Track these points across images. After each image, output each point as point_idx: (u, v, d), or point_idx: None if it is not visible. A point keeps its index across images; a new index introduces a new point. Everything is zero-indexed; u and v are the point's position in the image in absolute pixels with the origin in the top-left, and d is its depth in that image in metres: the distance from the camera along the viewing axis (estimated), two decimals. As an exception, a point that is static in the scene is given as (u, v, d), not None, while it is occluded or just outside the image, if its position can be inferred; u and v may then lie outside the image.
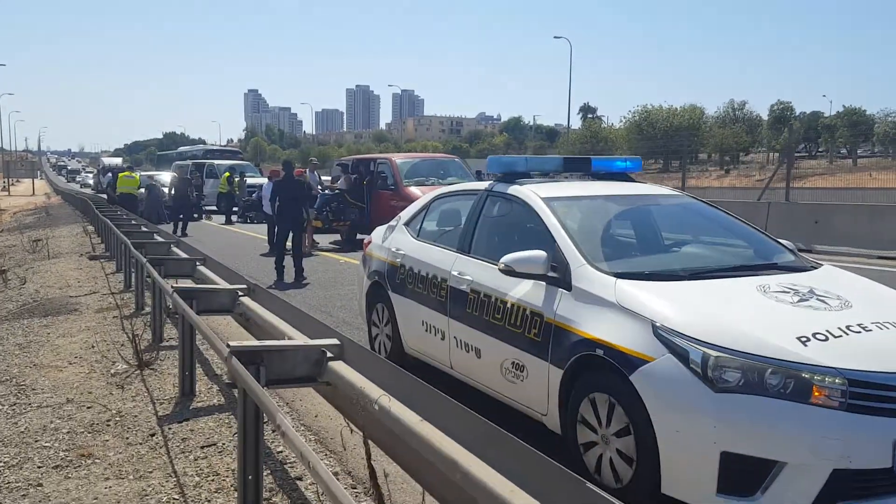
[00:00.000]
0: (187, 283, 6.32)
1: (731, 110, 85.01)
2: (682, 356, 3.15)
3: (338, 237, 17.79)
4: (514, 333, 4.04)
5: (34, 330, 7.83)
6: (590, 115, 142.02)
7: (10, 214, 34.63)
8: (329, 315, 8.60)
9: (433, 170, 15.85)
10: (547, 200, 4.37)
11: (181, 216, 20.30)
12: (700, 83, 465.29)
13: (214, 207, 28.83)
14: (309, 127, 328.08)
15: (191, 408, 5.01)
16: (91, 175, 74.83)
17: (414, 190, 14.48)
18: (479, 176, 17.68)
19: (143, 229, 12.04)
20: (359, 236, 17.09)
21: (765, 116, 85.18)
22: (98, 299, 9.58)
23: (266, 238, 16.10)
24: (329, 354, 3.34)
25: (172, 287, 5.27)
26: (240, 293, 5.03)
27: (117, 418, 4.82)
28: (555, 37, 60.47)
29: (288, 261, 11.98)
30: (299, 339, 3.66)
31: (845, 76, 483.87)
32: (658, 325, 3.30)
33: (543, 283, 3.95)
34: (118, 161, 43.04)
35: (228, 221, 24.90)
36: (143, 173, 22.16)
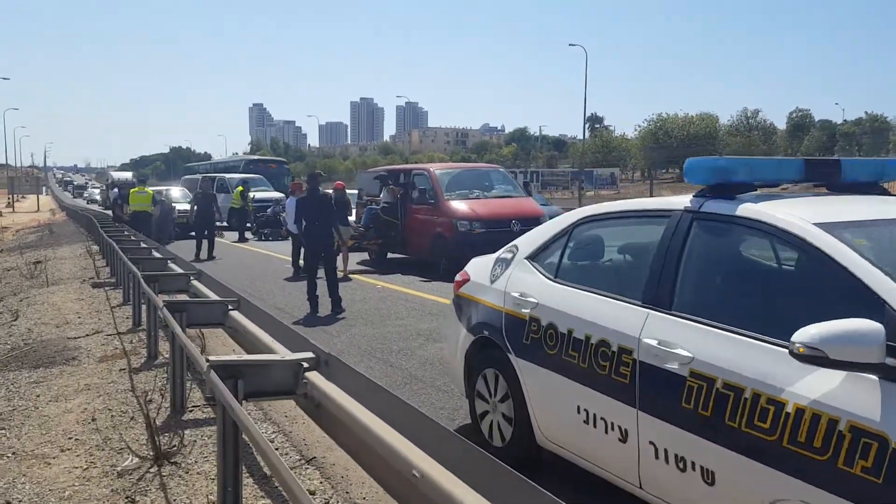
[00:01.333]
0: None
1: (745, 118, 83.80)
2: None
3: (364, 255, 16.17)
4: (808, 461, 2.37)
5: (20, 389, 6.19)
6: (597, 126, 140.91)
7: (13, 232, 33.09)
8: (390, 366, 6.96)
9: (476, 181, 14.21)
10: (829, 229, 2.69)
11: (206, 234, 18.56)
12: (708, 92, 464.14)
13: (225, 223, 27.27)
14: (314, 140, 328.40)
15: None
16: (98, 190, 73.19)
17: (457, 204, 12.86)
18: (526, 188, 16.09)
19: (155, 255, 10.37)
20: (389, 255, 15.46)
21: (779, 125, 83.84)
22: (101, 342, 7.93)
23: (290, 259, 14.45)
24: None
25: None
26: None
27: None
28: (570, 44, 58.76)
29: (321, 288, 10.31)
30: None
31: (856, 84, 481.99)
32: None
33: (874, 376, 2.28)
34: (128, 175, 40.00)
35: (242, 239, 23.25)
36: (151, 188, 20.55)
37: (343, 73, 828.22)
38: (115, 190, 24.26)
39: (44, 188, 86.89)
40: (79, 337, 8.26)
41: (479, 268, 4.77)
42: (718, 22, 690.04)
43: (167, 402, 5.33)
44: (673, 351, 2.95)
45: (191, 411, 5.28)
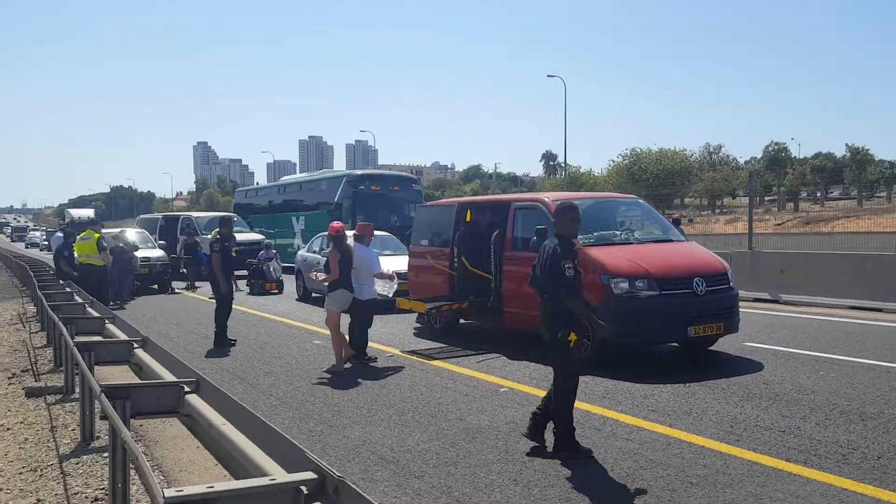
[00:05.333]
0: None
1: (708, 153, 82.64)
2: None
3: (410, 320, 12.15)
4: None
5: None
6: (551, 163, 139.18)
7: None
8: None
9: (612, 218, 10.14)
10: None
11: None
12: (671, 128, 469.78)
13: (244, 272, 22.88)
14: (261, 178, 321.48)
15: None
16: (39, 234, 66.24)
17: (605, 254, 8.85)
18: (677, 225, 12.24)
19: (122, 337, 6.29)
20: (460, 320, 11.44)
21: (741, 159, 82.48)
22: None
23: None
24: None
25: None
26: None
27: None
28: (548, 75, 56.23)
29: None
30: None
31: (813, 118, 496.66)
32: None
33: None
34: (90, 213, 32.49)
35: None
36: (105, 231, 16.11)
37: (290, 112, 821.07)
38: (59, 235, 19.59)
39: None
40: None
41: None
42: (677, 59, 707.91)
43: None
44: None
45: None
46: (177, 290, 19.98)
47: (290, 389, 8.00)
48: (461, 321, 11.56)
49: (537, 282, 5.86)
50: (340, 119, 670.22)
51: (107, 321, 7.86)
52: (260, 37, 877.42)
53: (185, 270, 21.15)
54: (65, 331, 7.47)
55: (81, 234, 13.86)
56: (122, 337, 6.68)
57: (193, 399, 4.18)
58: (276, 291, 19.00)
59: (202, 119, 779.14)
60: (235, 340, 11.12)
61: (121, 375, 7.61)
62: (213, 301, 16.84)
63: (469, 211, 11.21)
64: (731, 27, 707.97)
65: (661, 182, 65.70)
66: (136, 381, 5.42)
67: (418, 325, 12.27)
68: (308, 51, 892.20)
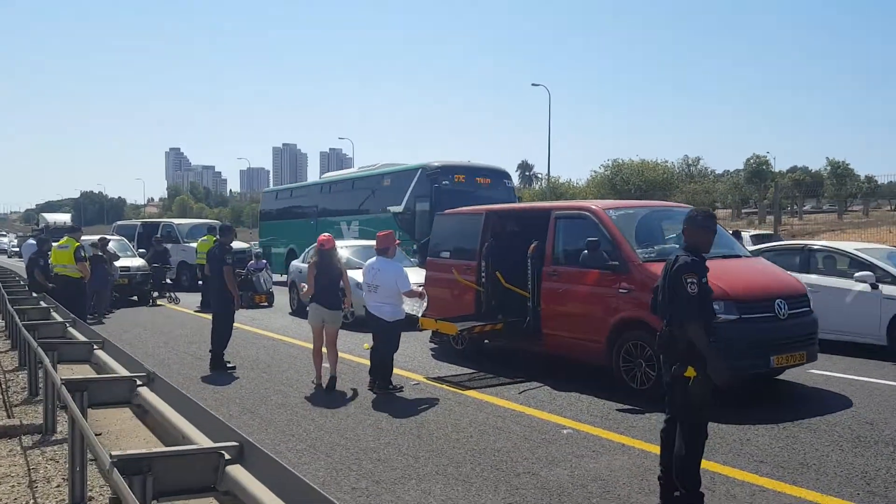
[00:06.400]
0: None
1: (687, 166, 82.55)
2: None
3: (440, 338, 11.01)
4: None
5: None
6: (527, 173, 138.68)
7: None
8: None
9: (673, 229, 9.03)
10: None
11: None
12: (645, 140, 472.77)
13: (169, 281, 21.45)
14: (234, 185, 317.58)
15: None
16: (7, 239, 63.02)
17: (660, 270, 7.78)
18: (738, 238, 11.09)
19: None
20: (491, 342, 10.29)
21: (718, 170, 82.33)
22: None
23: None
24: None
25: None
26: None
27: None
28: (533, 84, 55.39)
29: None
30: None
31: (786, 133, 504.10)
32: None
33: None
34: (66, 218, 30.23)
35: (206, 306, 17.52)
36: (85, 238, 14.70)
37: (266, 119, 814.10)
38: (32, 241, 18.10)
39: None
40: None
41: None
42: (656, 71, 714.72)
43: None
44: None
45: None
46: (158, 303, 18.59)
47: (313, 429, 6.80)
48: (485, 341, 10.43)
49: (658, 306, 4.77)
50: (316, 127, 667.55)
51: (95, 347, 6.61)
52: (234, 42, 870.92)
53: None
54: (46, 360, 6.22)
55: (59, 242, 12.54)
56: (120, 371, 5.43)
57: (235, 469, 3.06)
58: (266, 304, 17.71)
59: (175, 124, 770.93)
60: (235, 366, 9.86)
61: (114, 415, 6.40)
62: (200, 315, 15.51)
63: (499, 221, 10.09)
64: (705, 42, 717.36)
65: (644, 194, 65.21)
66: (151, 439, 4.30)
67: (433, 344, 11.12)
68: (283, 57, 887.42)
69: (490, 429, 6.67)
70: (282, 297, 18.22)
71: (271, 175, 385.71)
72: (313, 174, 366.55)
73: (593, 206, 8.73)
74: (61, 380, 4.77)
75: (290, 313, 15.98)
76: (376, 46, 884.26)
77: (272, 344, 11.97)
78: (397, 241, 8.93)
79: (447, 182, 17.69)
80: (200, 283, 19.54)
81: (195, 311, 16.81)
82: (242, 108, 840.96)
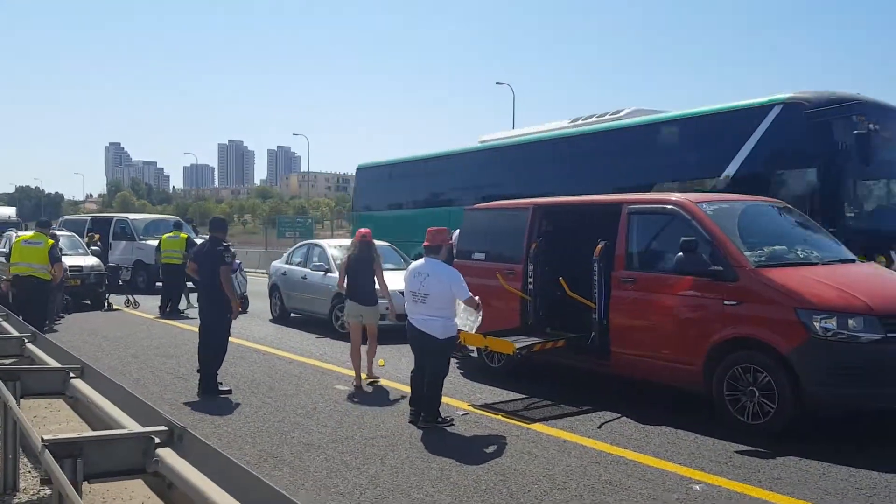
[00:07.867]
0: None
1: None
2: None
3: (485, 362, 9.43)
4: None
5: None
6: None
7: None
8: None
9: (775, 228, 7.60)
10: None
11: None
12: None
13: (122, 281, 19.35)
14: (177, 182, 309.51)
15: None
16: None
17: (784, 278, 6.33)
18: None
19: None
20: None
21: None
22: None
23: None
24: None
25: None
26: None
27: None
28: (497, 83, 54.12)
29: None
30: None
31: None
32: None
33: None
34: (10, 212, 27.53)
35: (172, 311, 15.57)
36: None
37: (210, 114, 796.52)
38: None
39: None
40: None
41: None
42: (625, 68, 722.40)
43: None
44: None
45: None
46: (115, 307, 16.53)
47: (364, 481, 5.18)
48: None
49: None
50: (264, 124, 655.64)
51: (72, 376, 4.85)
52: (177, 35, 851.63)
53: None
54: (6, 393, 4.48)
55: (25, 237, 10.74)
56: (132, 427, 3.73)
57: None
58: (241, 310, 15.84)
59: (115, 119, 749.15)
60: (230, 389, 8.14)
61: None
62: (166, 322, 13.68)
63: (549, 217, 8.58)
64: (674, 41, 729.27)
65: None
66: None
67: (457, 359, 9.52)
68: (230, 51, 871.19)
69: (599, 483, 5.15)
70: (258, 302, 16.39)
71: (216, 173, 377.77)
72: (260, 173, 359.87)
73: (682, 199, 7.25)
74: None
75: (272, 320, 14.20)
76: (335, 40, 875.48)
77: (265, 359, 10.25)
78: None
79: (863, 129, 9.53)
80: (159, 284, 17.66)
81: (154, 318, 14.88)
82: (186, 103, 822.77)
